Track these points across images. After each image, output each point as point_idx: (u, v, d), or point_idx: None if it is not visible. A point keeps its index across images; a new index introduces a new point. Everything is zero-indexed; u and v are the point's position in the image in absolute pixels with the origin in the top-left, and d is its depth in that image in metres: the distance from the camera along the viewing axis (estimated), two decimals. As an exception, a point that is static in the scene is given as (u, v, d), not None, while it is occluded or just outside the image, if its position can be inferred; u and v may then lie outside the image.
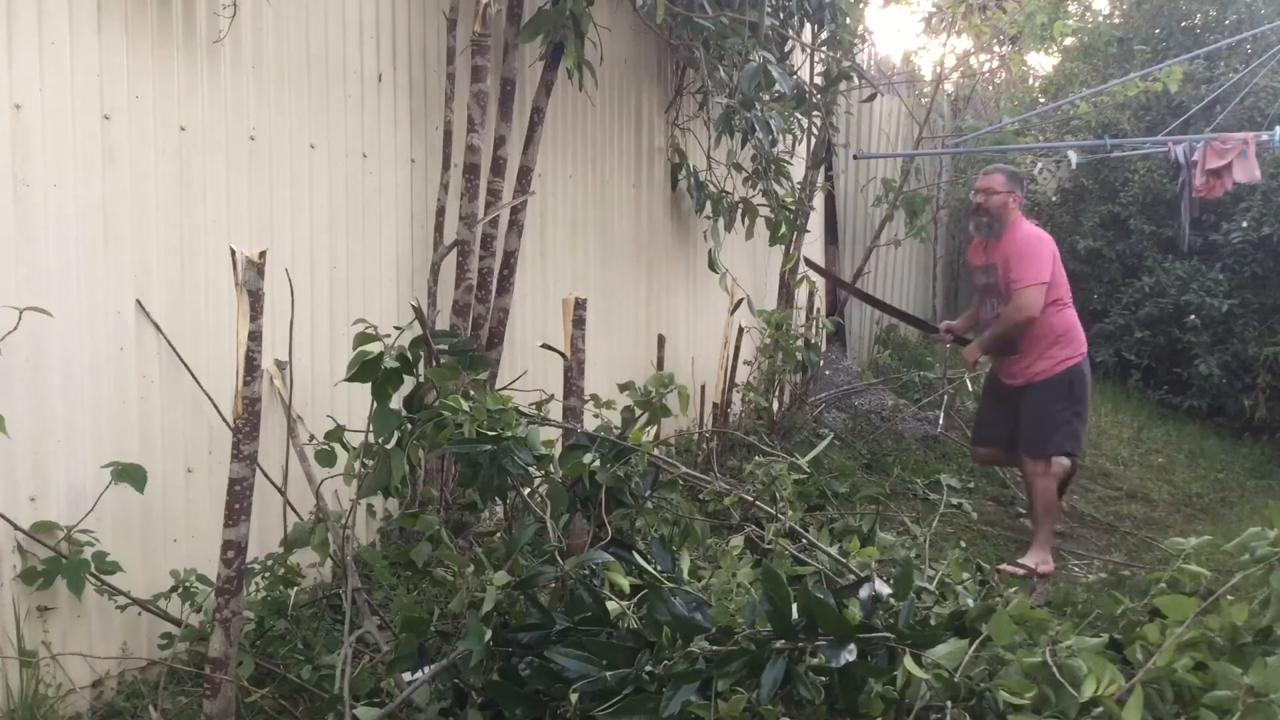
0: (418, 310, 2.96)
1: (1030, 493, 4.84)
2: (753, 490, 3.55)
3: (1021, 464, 4.85)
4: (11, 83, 2.59)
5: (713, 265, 5.62)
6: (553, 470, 2.66)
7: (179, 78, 3.02)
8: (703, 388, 5.68)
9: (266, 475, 3.18)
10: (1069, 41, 9.18)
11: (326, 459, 3.32)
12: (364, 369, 2.58)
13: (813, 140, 6.46)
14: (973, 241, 5.07)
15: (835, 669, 1.99)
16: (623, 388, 3.05)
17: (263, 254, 2.49)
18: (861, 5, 6.25)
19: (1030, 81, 9.76)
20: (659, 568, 2.44)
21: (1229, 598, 2.09)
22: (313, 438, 3.38)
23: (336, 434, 3.31)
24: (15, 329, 2.55)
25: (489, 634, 2.22)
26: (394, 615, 2.88)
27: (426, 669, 2.44)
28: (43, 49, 2.66)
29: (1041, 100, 9.30)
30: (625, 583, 2.38)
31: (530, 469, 2.56)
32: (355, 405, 3.67)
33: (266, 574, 3.06)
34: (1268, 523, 2.17)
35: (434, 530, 2.68)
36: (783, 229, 5.83)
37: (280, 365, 3.36)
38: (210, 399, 3.10)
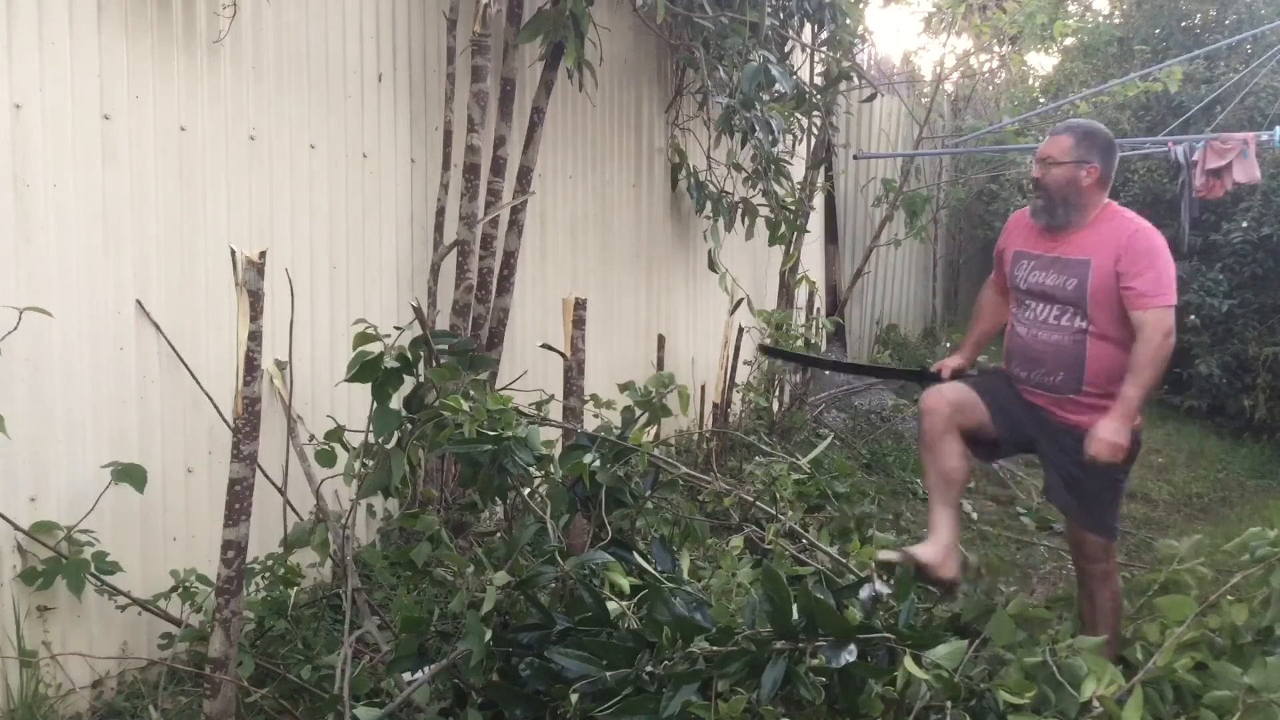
0: (418, 310, 2.96)
1: (1093, 597, 3.17)
2: (753, 490, 3.54)
3: (1083, 547, 3.23)
4: (11, 83, 2.59)
5: (713, 265, 5.62)
6: (553, 470, 2.65)
7: (179, 78, 3.02)
8: (703, 388, 5.68)
9: (266, 475, 3.17)
10: (1069, 41, 9.19)
11: (326, 459, 3.32)
12: (364, 369, 2.57)
13: (813, 140, 6.46)
14: (1014, 217, 3.47)
15: (835, 669, 1.99)
16: (623, 388, 3.03)
17: (263, 254, 2.49)
18: (861, 5, 6.25)
19: (1030, 81, 9.76)
20: (659, 568, 2.44)
21: (1229, 598, 2.09)
22: (313, 437, 3.38)
23: (336, 434, 3.30)
24: (15, 329, 2.55)
25: (489, 634, 2.22)
26: (394, 615, 2.88)
27: (427, 669, 2.44)
28: (43, 49, 2.66)
29: (1041, 100, 9.30)
30: (625, 583, 2.37)
31: (530, 469, 2.55)
32: (355, 405, 3.67)
33: (266, 574, 3.06)
34: (1268, 523, 2.17)
35: (434, 531, 2.68)
36: (783, 229, 5.83)
37: (280, 365, 3.36)
38: (210, 399, 3.10)
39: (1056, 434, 3.18)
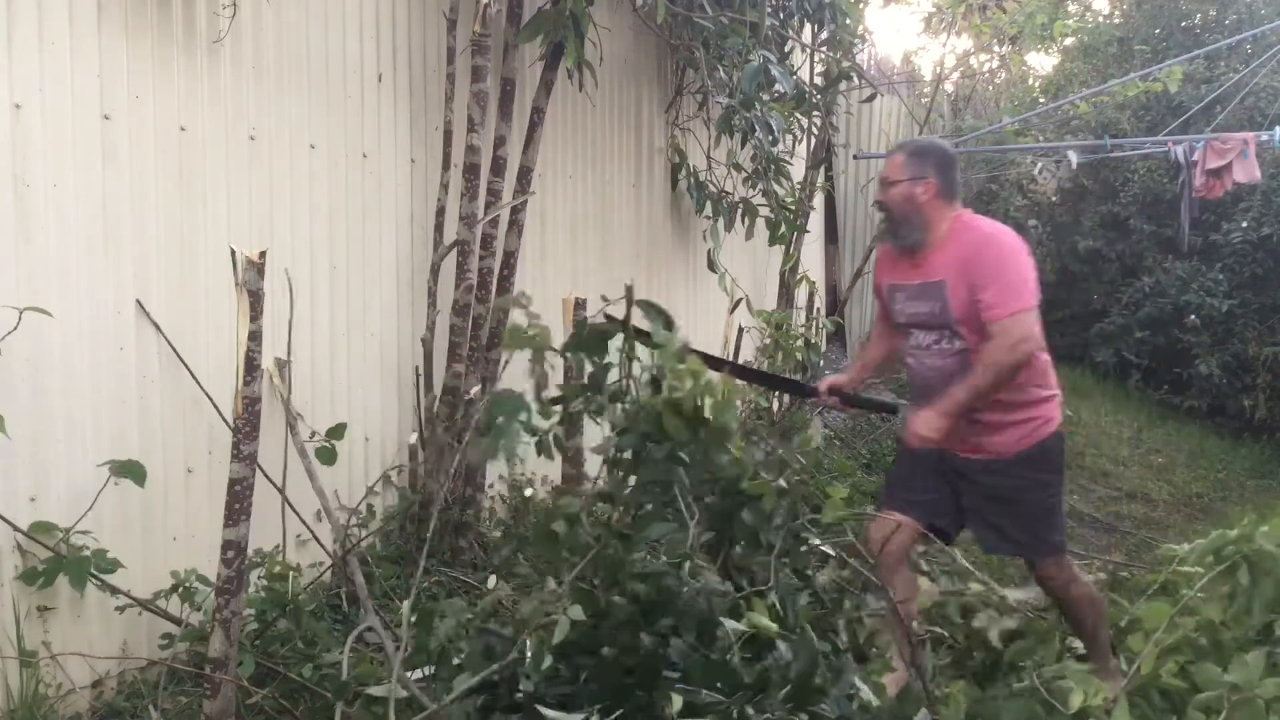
0: (629, 290, 2.69)
1: (1069, 608, 3.17)
2: None
3: (1040, 576, 3.15)
4: (11, 83, 2.59)
5: (712, 265, 5.62)
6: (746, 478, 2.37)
7: (179, 78, 3.02)
8: (703, 388, 5.67)
9: (266, 475, 3.17)
10: (1069, 41, 9.21)
11: (327, 457, 3.32)
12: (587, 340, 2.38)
13: (813, 140, 6.46)
14: (880, 250, 3.45)
15: None
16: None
17: (263, 254, 2.49)
18: (861, 5, 6.25)
19: (1030, 81, 9.77)
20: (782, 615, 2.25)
21: (1201, 595, 2.09)
22: (314, 434, 3.37)
23: (338, 431, 3.31)
24: (15, 329, 2.55)
25: (548, 661, 2.15)
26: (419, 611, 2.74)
27: (427, 670, 2.42)
28: (43, 49, 2.66)
29: (1041, 100, 9.30)
30: (770, 624, 2.11)
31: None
32: (355, 404, 3.67)
33: (264, 571, 3.05)
34: (1228, 524, 2.17)
35: (574, 512, 2.48)
36: (783, 229, 5.83)
37: (280, 364, 3.35)
38: (210, 399, 3.10)
39: (967, 477, 3.12)
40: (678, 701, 1.93)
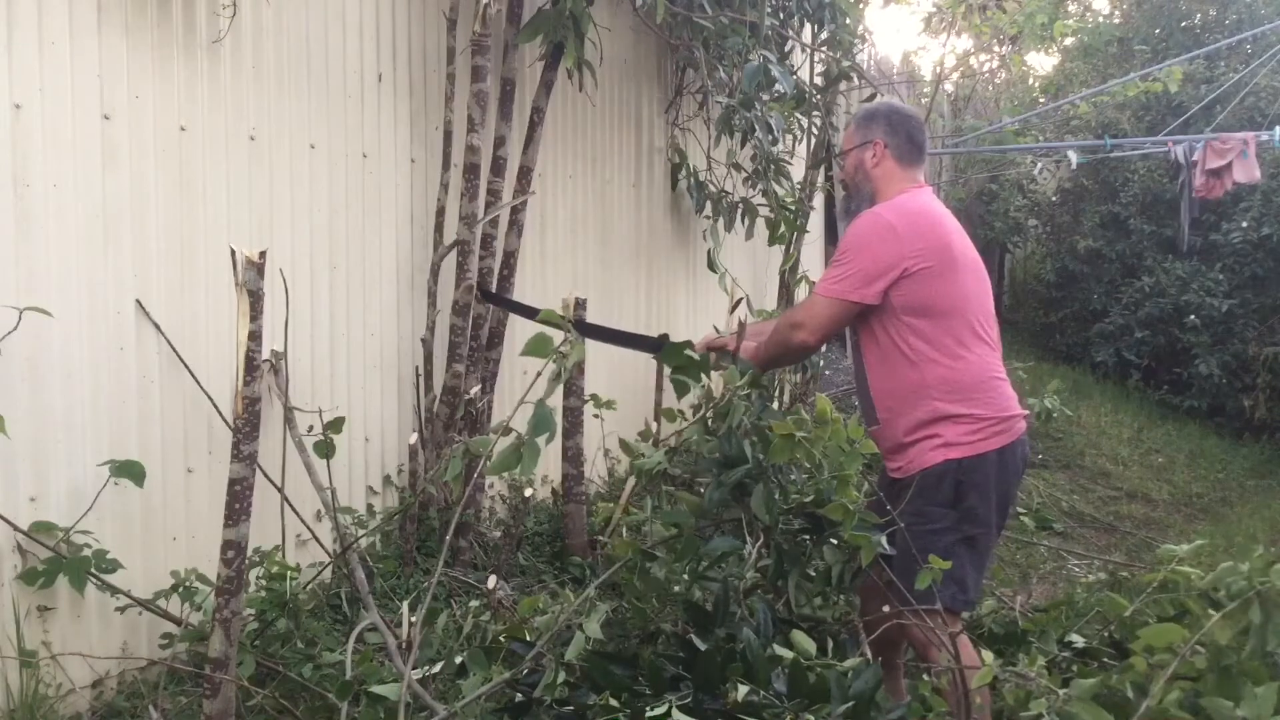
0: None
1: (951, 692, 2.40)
2: None
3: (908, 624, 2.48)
4: (11, 83, 2.59)
5: (712, 265, 5.62)
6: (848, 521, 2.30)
7: (179, 78, 3.02)
8: (703, 388, 5.67)
9: (266, 475, 3.17)
10: (1069, 41, 9.21)
11: (325, 450, 3.31)
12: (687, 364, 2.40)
13: (813, 140, 6.46)
14: None
15: None
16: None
17: (263, 254, 2.49)
18: (861, 5, 6.25)
19: (1030, 81, 9.78)
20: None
21: (1210, 612, 2.07)
22: (311, 428, 3.37)
23: (336, 425, 3.30)
24: (15, 329, 2.55)
25: (561, 675, 2.16)
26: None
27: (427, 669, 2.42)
28: (43, 49, 2.66)
29: (1041, 100, 9.31)
30: (812, 645, 2.13)
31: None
32: (355, 404, 3.67)
33: (264, 570, 3.05)
34: (1243, 554, 2.15)
35: (689, 522, 2.43)
36: (782, 229, 5.83)
37: (276, 356, 3.33)
38: (210, 399, 3.10)
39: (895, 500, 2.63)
40: (742, 690, 1.95)
